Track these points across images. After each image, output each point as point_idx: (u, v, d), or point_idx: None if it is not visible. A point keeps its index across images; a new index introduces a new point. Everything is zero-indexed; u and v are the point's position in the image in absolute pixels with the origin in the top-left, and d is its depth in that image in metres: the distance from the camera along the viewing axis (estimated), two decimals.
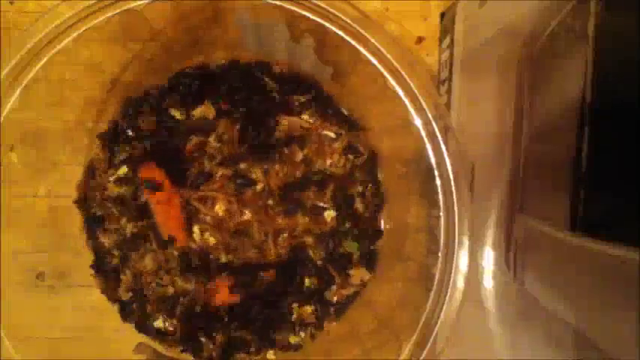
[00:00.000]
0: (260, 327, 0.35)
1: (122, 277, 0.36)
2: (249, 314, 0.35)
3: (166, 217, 0.35)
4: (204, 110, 0.35)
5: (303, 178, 0.36)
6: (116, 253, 0.36)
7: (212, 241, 0.35)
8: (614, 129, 0.21)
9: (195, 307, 0.35)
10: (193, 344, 0.35)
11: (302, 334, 0.36)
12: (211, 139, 0.35)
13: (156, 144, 0.35)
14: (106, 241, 0.36)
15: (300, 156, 0.35)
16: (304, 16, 0.27)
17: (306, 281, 0.36)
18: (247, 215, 0.35)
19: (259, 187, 0.35)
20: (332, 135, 0.36)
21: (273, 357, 0.36)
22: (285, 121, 0.36)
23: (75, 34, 0.27)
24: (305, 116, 0.36)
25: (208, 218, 0.35)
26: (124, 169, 0.35)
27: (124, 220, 0.35)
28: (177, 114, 0.35)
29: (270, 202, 0.35)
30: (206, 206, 0.35)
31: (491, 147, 0.31)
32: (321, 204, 0.36)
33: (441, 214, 0.28)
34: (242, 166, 0.35)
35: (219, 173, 0.35)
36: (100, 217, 0.36)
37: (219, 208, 0.35)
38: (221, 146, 0.35)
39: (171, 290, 0.36)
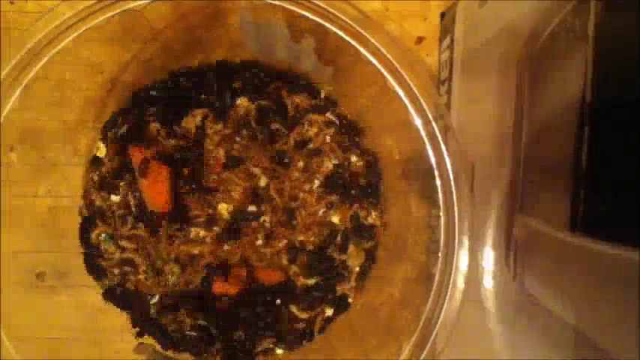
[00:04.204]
0: (262, 325, 0.35)
1: (121, 276, 0.36)
2: (250, 312, 0.35)
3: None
4: (201, 112, 0.35)
5: (303, 179, 0.36)
6: (115, 252, 0.36)
7: (211, 241, 0.35)
8: (614, 129, 0.21)
9: (195, 307, 0.36)
10: (194, 343, 0.35)
11: (305, 330, 0.36)
12: (212, 139, 0.35)
13: (155, 145, 0.35)
14: (105, 240, 0.36)
15: (300, 157, 0.35)
16: (304, 16, 0.27)
17: (308, 281, 0.36)
18: (249, 215, 0.35)
19: (260, 186, 0.35)
20: (331, 135, 0.36)
21: (276, 355, 0.36)
22: (286, 123, 0.36)
23: (75, 34, 0.27)
24: (305, 118, 0.36)
25: (204, 220, 0.35)
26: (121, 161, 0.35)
27: (122, 220, 0.35)
28: (176, 112, 0.35)
29: (271, 202, 0.35)
30: (204, 208, 0.35)
31: (491, 147, 0.31)
32: (322, 205, 0.36)
33: (441, 214, 0.28)
34: (242, 167, 0.35)
35: (220, 171, 0.35)
36: (99, 218, 0.36)
37: (221, 209, 0.35)
38: (222, 147, 0.35)
39: (170, 289, 0.36)
